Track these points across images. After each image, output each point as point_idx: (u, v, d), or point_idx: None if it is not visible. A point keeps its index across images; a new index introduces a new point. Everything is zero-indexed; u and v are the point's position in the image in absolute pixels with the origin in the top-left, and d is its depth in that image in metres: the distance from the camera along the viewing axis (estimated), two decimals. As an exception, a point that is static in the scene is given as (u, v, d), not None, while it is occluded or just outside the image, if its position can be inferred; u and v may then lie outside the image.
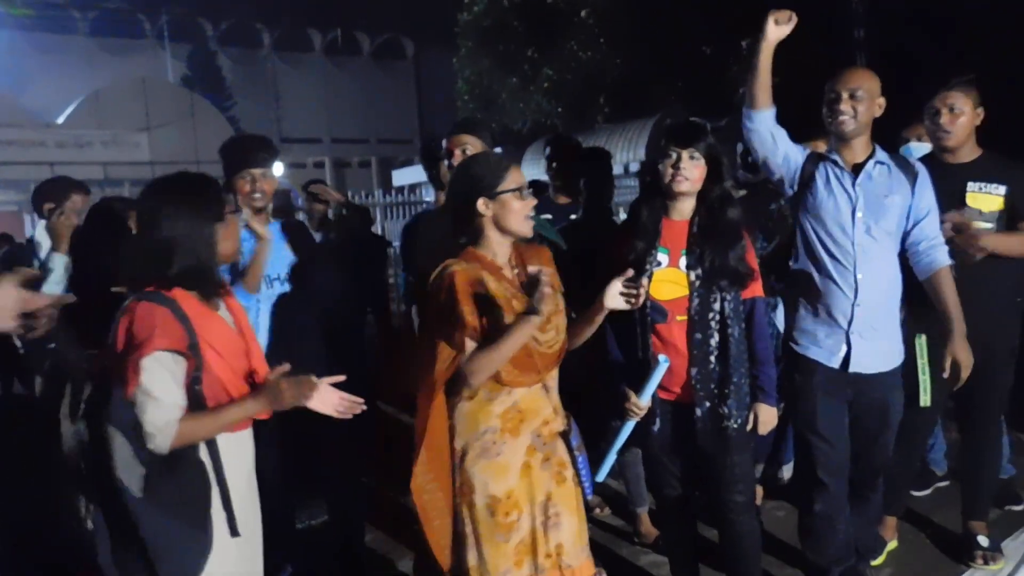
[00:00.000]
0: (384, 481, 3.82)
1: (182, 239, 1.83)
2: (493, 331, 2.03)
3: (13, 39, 19.81)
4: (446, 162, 2.89)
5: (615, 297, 2.13)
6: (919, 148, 3.43)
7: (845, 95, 2.55)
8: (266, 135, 3.11)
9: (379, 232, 9.45)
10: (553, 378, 2.20)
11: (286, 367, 1.90)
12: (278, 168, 3.04)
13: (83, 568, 1.85)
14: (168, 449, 1.75)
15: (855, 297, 2.57)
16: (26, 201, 16.99)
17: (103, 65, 23.38)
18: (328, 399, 2.01)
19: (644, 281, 2.28)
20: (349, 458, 3.08)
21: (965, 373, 2.58)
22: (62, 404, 1.84)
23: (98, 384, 1.79)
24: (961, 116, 2.85)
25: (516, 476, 2.11)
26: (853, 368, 2.62)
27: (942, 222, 2.67)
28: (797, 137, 3.77)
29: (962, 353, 2.56)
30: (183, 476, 1.80)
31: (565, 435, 2.18)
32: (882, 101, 2.59)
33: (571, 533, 2.16)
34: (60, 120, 19.09)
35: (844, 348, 2.62)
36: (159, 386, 1.74)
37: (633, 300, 2.16)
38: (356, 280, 3.71)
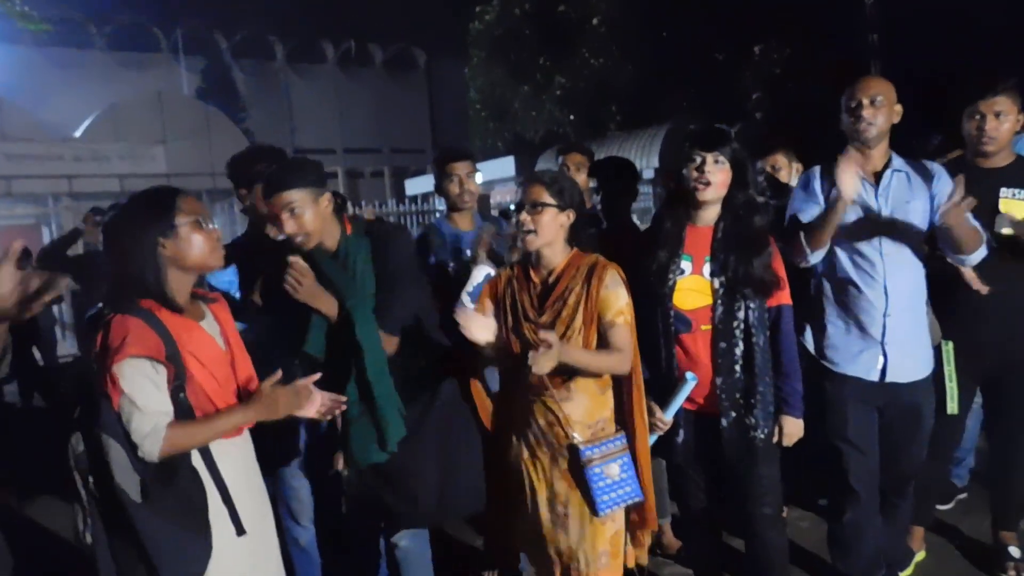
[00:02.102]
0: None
1: (126, 256, 1.84)
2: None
3: (30, 54, 20.05)
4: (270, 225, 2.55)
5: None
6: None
7: (867, 102, 2.53)
8: (278, 146, 3.06)
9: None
10: (570, 391, 2.23)
11: (278, 375, 1.92)
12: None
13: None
14: (158, 456, 1.75)
15: (886, 307, 2.55)
16: (44, 214, 17.19)
17: (119, 79, 23.60)
18: (313, 401, 2.05)
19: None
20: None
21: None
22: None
23: (87, 394, 1.81)
24: (1006, 122, 2.79)
25: (525, 463, 2.30)
26: (890, 378, 2.59)
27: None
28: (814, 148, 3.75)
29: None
30: (179, 482, 1.81)
31: (574, 447, 2.20)
32: (899, 108, 2.58)
33: (579, 539, 2.24)
34: (77, 134, 19.26)
35: (881, 360, 2.58)
36: (140, 394, 1.75)
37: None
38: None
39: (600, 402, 2.26)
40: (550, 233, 2.23)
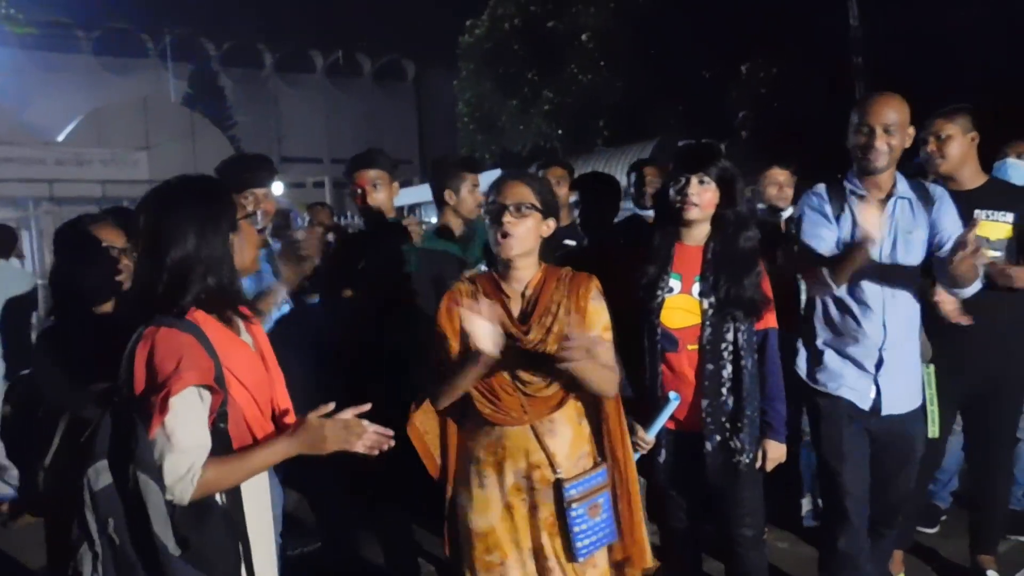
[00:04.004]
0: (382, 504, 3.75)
1: (197, 256, 1.58)
2: (465, 355, 1.94)
3: (16, 57, 19.90)
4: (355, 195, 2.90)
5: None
6: (1015, 165, 3.38)
7: (879, 130, 2.37)
8: (266, 154, 3.08)
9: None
10: (553, 422, 2.04)
11: (330, 407, 1.67)
12: (277, 187, 3.01)
13: None
14: (189, 499, 1.52)
15: (883, 341, 2.48)
16: (24, 218, 16.98)
17: (105, 83, 23.48)
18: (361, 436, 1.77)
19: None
20: (343, 481, 3.00)
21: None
22: (53, 443, 1.67)
23: (119, 424, 1.53)
24: (950, 142, 2.80)
25: (498, 516, 2.04)
26: (885, 411, 2.52)
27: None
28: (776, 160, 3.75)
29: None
30: (209, 526, 1.58)
31: (559, 484, 2.00)
32: (911, 131, 2.44)
33: None
34: (60, 138, 19.10)
35: (873, 391, 2.52)
36: (183, 429, 1.51)
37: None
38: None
39: (580, 432, 2.09)
40: (530, 241, 2.00)
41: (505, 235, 1.95)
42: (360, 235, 3.04)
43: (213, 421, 1.57)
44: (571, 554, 2.00)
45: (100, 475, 1.50)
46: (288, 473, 2.76)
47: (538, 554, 2.04)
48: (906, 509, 2.93)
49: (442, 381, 2.01)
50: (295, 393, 1.84)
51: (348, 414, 1.69)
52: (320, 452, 1.66)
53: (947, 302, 2.60)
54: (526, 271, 2.04)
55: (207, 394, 1.55)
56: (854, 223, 2.45)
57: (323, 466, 2.72)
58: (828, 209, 2.51)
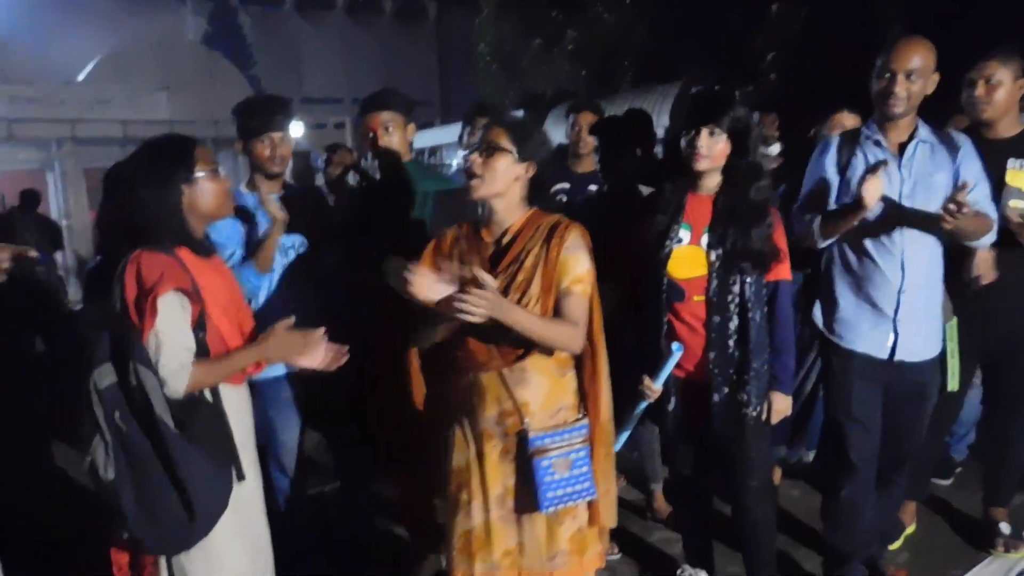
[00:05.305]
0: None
1: (147, 203, 1.89)
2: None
3: (35, -5, 19.74)
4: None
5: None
6: None
7: (901, 76, 2.35)
8: (285, 95, 3.00)
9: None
10: (525, 371, 2.00)
11: (291, 320, 1.99)
12: (296, 129, 2.95)
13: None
14: (183, 393, 1.82)
15: (901, 283, 2.46)
16: (48, 159, 17.08)
17: (124, 23, 23.20)
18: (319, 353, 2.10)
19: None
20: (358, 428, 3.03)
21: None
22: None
23: (118, 330, 1.81)
24: (999, 88, 2.70)
25: (470, 458, 2.06)
26: (899, 356, 2.51)
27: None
28: (821, 111, 3.65)
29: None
30: (202, 417, 1.87)
31: (523, 434, 1.99)
32: (936, 76, 2.40)
33: (534, 537, 2.05)
34: (80, 78, 19.03)
35: (892, 337, 2.50)
36: (172, 329, 1.82)
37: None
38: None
39: (561, 385, 2.05)
40: (500, 183, 1.97)
41: (471, 175, 1.97)
42: (371, 186, 2.95)
43: (193, 329, 1.87)
44: (536, 504, 1.98)
45: (104, 377, 1.78)
46: (308, 415, 2.82)
47: (505, 498, 2.04)
48: (921, 460, 2.95)
49: (421, 326, 2.07)
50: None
51: (313, 332, 1.99)
52: (285, 359, 2.04)
53: (983, 260, 2.60)
54: (506, 215, 2.02)
55: (187, 303, 1.86)
56: (865, 171, 2.36)
57: (340, 409, 2.81)
58: (833, 158, 2.50)
